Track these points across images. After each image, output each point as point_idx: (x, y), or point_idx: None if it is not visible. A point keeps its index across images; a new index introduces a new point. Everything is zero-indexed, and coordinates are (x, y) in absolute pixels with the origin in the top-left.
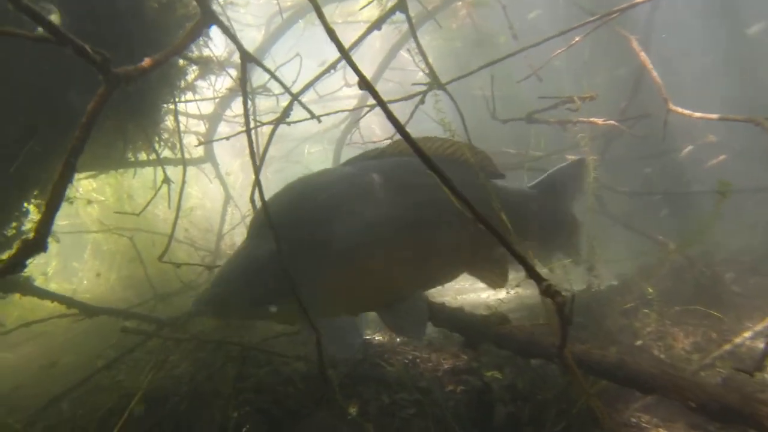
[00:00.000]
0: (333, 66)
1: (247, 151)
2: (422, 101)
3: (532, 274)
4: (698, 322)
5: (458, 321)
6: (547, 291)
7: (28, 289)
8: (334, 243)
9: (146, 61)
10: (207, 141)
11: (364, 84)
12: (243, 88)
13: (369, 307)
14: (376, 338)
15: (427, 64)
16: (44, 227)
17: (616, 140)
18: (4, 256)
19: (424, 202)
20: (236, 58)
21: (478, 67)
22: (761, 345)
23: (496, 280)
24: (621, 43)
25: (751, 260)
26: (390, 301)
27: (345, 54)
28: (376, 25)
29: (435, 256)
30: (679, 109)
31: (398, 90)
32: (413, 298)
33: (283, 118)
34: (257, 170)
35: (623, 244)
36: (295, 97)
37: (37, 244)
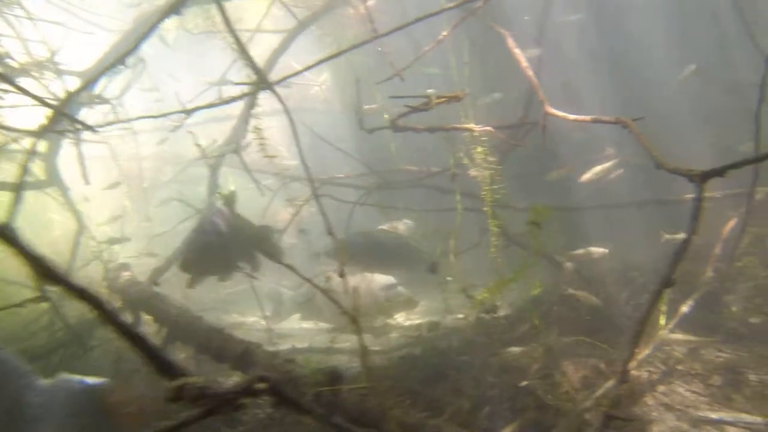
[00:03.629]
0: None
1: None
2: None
3: None
4: (589, 352)
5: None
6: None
7: None
8: None
9: None
10: None
11: None
12: None
13: None
14: None
15: (248, 58)
16: None
17: (512, 154)
18: None
19: None
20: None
21: (316, 61)
22: (645, 373)
23: None
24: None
25: (642, 278)
26: None
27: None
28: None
29: None
30: (557, 112)
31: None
32: None
33: None
34: None
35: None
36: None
37: None
